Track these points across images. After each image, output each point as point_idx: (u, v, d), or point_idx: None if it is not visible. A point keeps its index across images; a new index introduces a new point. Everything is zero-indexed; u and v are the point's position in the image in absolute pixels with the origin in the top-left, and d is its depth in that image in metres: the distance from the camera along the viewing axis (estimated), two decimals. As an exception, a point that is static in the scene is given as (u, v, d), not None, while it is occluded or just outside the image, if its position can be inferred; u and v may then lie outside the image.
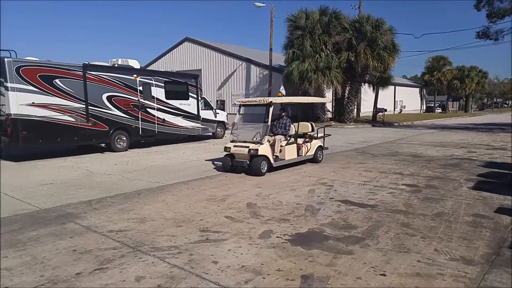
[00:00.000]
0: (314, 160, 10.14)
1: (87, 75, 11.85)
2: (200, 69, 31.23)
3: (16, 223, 5.25)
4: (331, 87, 26.29)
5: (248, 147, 8.51)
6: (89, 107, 11.94)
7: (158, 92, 14.05)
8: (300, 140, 9.84)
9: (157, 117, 14.00)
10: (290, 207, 5.95)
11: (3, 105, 10.47)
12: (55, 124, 11.18)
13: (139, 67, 14.67)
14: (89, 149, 12.74)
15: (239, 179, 8.13)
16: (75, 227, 5.06)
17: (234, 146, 8.77)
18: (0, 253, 3.50)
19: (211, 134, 17.33)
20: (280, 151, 9.06)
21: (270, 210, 5.77)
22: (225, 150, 8.97)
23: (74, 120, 11.61)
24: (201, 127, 15.99)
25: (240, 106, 9.75)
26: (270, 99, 8.79)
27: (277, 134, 9.47)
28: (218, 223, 5.15)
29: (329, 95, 28.47)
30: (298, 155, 9.60)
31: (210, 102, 17.66)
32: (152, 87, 13.83)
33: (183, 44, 33.20)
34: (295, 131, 9.86)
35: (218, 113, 17.31)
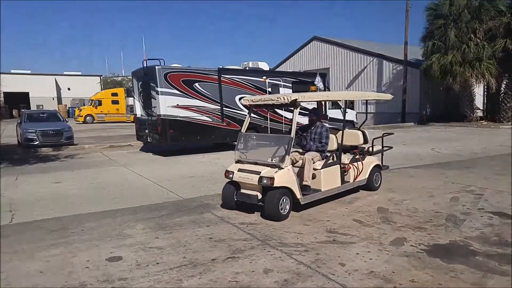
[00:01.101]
0: (367, 187, 6.87)
1: (221, 79, 13.07)
2: (328, 68, 31.11)
3: (164, 209, 6.14)
4: (482, 81, 23.00)
5: (259, 172, 5.36)
6: (224, 108, 13.13)
7: (286, 92, 14.54)
8: (346, 158, 6.56)
9: (285, 117, 14.50)
10: (427, 215, 5.46)
11: (154, 107, 12.34)
12: (196, 123, 12.64)
13: (268, 69, 15.46)
14: (224, 147, 13.98)
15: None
16: (211, 217, 5.64)
17: (239, 170, 5.67)
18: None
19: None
20: (313, 177, 5.83)
21: (404, 217, 5.40)
22: (226, 176, 5.82)
23: (211, 120, 12.94)
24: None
25: (250, 107, 6.30)
26: (295, 95, 5.40)
27: (310, 150, 6.26)
28: (346, 226, 5.07)
29: (479, 90, 24.96)
30: (343, 181, 6.30)
31: (339, 101, 17.44)
32: (280, 88, 14.40)
33: (311, 43, 33.58)
34: (338, 143, 6.54)
35: (347, 112, 16.97)
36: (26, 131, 14.56)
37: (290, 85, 14.68)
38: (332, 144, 6.52)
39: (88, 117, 33.60)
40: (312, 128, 6.44)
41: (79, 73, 53.42)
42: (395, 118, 25.60)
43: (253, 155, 5.84)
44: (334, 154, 6.31)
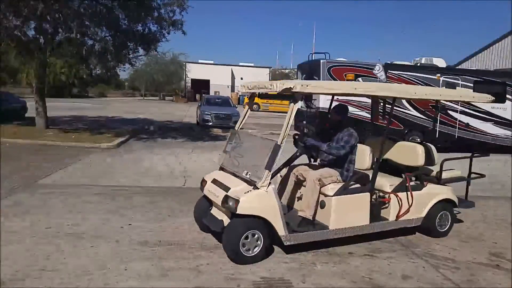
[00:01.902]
0: (426, 230, 4.76)
1: (387, 75, 12.50)
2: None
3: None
4: None
5: (228, 189, 3.88)
6: (387, 105, 12.55)
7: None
8: (388, 184, 4.49)
9: (459, 121, 12.94)
10: None
11: (314, 99, 12.74)
12: (354, 119, 12.51)
13: (444, 66, 13.98)
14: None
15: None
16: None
17: (213, 181, 4.25)
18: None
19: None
20: (322, 206, 4.11)
21: None
22: (201, 186, 4.46)
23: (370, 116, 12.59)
24: (515, 137, 13.42)
25: (249, 97, 4.89)
26: (290, 83, 3.73)
27: (324, 166, 4.40)
28: (516, 252, 4.33)
29: None
30: (376, 218, 4.39)
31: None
32: (457, 88, 12.87)
33: (508, 38, 28.56)
34: (374, 159, 4.40)
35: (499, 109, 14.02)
36: (203, 113, 17.17)
37: (471, 84, 12.95)
38: (364, 160, 4.36)
39: (254, 105, 36.95)
40: (336, 134, 4.31)
41: (252, 64, 58.86)
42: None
43: (234, 162, 4.27)
44: (364, 177, 4.27)
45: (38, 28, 12.44)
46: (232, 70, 56.25)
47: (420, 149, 4.62)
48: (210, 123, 16.77)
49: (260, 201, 3.66)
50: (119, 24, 13.05)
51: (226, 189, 3.86)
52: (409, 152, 4.70)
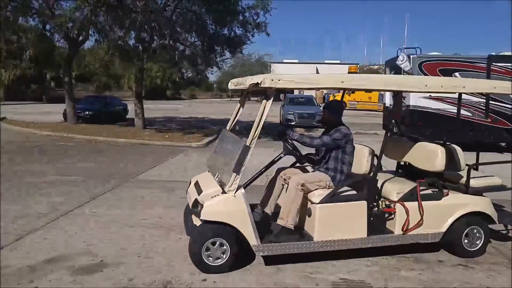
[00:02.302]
0: (450, 248, 4.03)
1: (491, 67, 11.32)
2: None
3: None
4: None
5: (200, 193, 3.65)
6: (490, 101, 11.40)
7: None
8: (395, 192, 3.91)
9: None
10: None
11: (405, 97, 12.06)
12: (448, 117, 11.57)
13: None
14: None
15: None
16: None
17: (195, 184, 4.00)
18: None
19: None
20: (309, 214, 3.68)
21: None
22: (187, 188, 4.29)
23: (471, 114, 11.53)
24: None
25: (243, 94, 4.64)
26: (260, 77, 3.35)
27: (319, 170, 3.97)
28: None
29: None
30: (378, 230, 3.81)
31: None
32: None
33: None
34: (373, 162, 3.91)
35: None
36: (287, 112, 17.37)
37: None
38: (361, 162, 3.88)
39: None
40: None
41: (338, 61, 57.64)
42: None
43: (213, 164, 4.16)
44: (361, 182, 3.75)
45: (137, 38, 13.81)
46: (317, 68, 55.75)
47: (440, 151, 3.89)
48: (293, 123, 16.90)
49: (226, 206, 3.39)
50: (207, 30, 13.85)
51: (199, 192, 3.63)
52: (428, 155, 4.01)
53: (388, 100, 13.90)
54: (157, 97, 42.41)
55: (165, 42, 13.51)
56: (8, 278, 3.27)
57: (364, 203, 3.64)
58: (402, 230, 3.73)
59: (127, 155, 9.55)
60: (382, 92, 19.01)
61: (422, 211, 3.76)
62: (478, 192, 4.02)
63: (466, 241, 3.92)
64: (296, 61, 55.91)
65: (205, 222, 3.41)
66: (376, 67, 56.25)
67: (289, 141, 3.91)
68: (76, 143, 11.25)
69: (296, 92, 48.54)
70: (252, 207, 3.77)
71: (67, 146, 10.72)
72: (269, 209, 3.98)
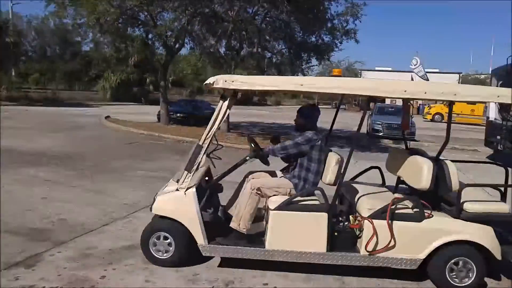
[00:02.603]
0: (433, 278, 3.45)
1: None
2: None
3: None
4: None
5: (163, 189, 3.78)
6: None
7: None
8: (366, 208, 3.52)
9: None
10: None
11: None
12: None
13: None
14: None
15: None
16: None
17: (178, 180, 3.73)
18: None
19: None
20: (266, 220, 3.62)
21: None
22: None
23: None
24: None
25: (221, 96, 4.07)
26: (213, 78, 3.38)
27: (285, 177, 3.89)
28: None
29: None
30: (336, 246, 3.46)
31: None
32: None
33: None
34: (340, 172, 3.65)
35: None
36: (374, 122, 16.67)
37: None
38: (327, 172, 3.72)
39: (436, 116, 33.54)
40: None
41: (436, 70, 53.72)
42: None
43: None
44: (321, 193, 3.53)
45: (227, 45, 14.54)
46: (412, 77, 52.59)
47: (427, 166, 3.45)
48: (381, 133, 16.17)
49: (175, 203, 3.51)
50: (295, 37, 14.04)
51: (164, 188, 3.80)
52: (415, 170, 3.60)
53: (493, 113, 12.56)
54: (243, 102, 43.92)
55: (254, 49, 14.01)
56: (91, 259, 3.71)
57: (324, 215, 3.41)
58: (367, 250, 3.38)
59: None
60: (487, 104, 17.17)
61: (391, 231, 3.34)
62: (473, 218, 3.40)
63: (452, 274, 3.40)
64: (390, 69, 53.44)
65: (159, 216, 3.59)
66: (482, 76, 51.20)
67: (255, 142, 3.99)
68: (166, 142, 12.20)
69: (388, 102, 46.45)
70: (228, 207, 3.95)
71: (157, 144, 11.68)
72: (233, 211, 3.89)
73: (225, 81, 3.29)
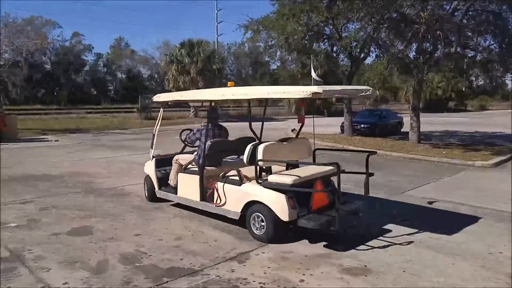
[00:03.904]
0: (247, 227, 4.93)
1: None
2: None
3: None
4: None
5: None
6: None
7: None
8: (221, 173, 5.31)
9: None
10: None
11: None
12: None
13: None
14: None
15: None
16: None
17: None
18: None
19: None
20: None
21: None
22: None
23: None
24: None
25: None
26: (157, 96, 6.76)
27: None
28: None
29: None
30: (208, 199, 5.36)
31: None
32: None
33: None
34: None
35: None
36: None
37: None
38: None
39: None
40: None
41: None
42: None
43: None
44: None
45: (418, 49, 13.71)
46: None
47: (248, 149, 5.00)
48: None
49: (147, 166, 6.48)
50: (508, 29, 12.20)
51: None
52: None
53: None
54: (437, 109, 40.12)
55: (451, 49, 12.80)
56: (288, 262, 4.07)
57: (196, 177, 5.39)
58: (215, 203, 5.12)
59: (398, 169, 9.66)
60: None
61: (223, 192, 5.04)
62: (269, 186, 4.67)
63: (252, 223, 4.74)
64: None
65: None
66: None
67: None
68: (350, 154, 12.24)
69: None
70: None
71: (342, 156, 11.84)
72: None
73: (158, 96, 6.55)
